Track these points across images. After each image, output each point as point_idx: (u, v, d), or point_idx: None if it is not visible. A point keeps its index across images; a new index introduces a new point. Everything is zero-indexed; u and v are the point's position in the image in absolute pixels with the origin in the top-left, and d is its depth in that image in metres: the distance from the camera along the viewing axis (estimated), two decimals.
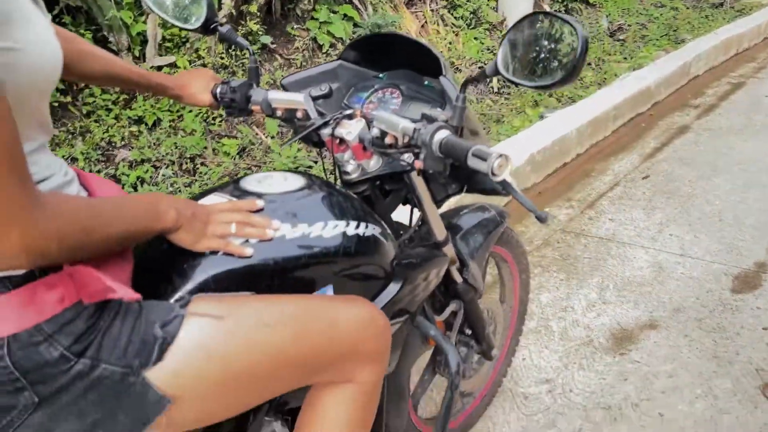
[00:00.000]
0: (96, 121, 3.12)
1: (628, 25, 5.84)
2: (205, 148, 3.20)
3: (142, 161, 3.06)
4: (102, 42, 3.20)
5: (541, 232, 2.81)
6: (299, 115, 1.19)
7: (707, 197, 3.02)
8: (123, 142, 3.13)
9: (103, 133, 3.07)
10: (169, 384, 0.74)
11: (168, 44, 3.43)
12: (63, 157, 2.89)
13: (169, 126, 3.27)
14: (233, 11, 3.58)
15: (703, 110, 4.24)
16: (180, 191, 2.94)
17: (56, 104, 3.05)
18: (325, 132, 1.13)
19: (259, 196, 0.98)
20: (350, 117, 1.11)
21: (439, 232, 1.27)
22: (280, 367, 0.84)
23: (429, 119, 0.97)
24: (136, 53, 3.31)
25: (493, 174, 0.87)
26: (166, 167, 3.06)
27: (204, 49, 3.49)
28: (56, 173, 0.76)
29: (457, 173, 1.22)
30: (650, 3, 6.64)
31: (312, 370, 0.89)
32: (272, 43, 3.90)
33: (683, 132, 3.88)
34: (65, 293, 0.69)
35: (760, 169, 3.27)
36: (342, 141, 1.12)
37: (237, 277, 0.88)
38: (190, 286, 0.85)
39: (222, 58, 3.58)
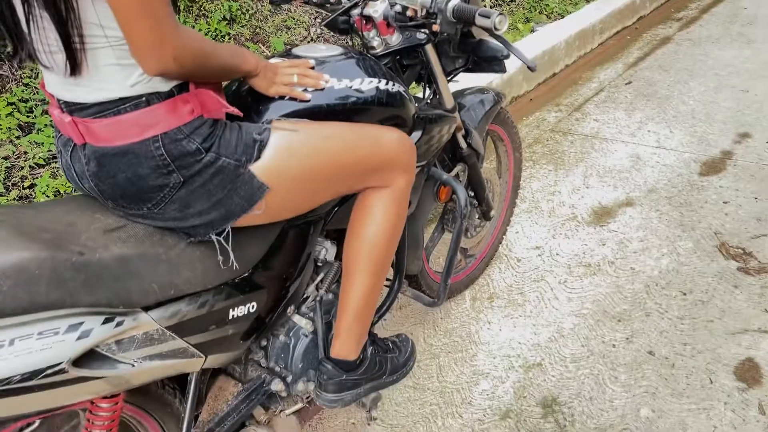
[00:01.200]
0: None
1: None
2: None
3: None
4: None
5: (532, 132, 3.09)
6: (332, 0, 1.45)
7: (683, 98, 3.30)
8: None
9: None
10: (266, 175, 1.04)
11: None
12: None
13: None
14: None
15: (685, 22, 4.46)
16: None
17: None
18: (355, 12, 1.39)
19: (310, 59, 1.25)
20: None
21: (449, 100, 1.55)
22: (339, 170, 1.15)
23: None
24: None
25: (495, 29, 1.15)
26: None
27: None
28: None
29: (464, 47, 1.49)
30: None
31: (361, 174, 1.19)
32: None
33: (665, 42, 4.11)
34: (194, 107, 0.98)
35: (731, 73, 3.53)
36: (368, 20, 1.39)
37: (299, 116, 1.16)
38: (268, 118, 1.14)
39: None
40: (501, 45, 1.36)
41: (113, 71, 0.92)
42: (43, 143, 2.58)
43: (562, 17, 4.27)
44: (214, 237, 1.05)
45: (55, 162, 2.61)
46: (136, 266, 1.00)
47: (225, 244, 1.06)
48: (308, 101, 1.17)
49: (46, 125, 2.67)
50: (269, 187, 1.05)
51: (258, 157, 1.04)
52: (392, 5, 1.34)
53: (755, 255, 2.14)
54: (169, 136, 0.96)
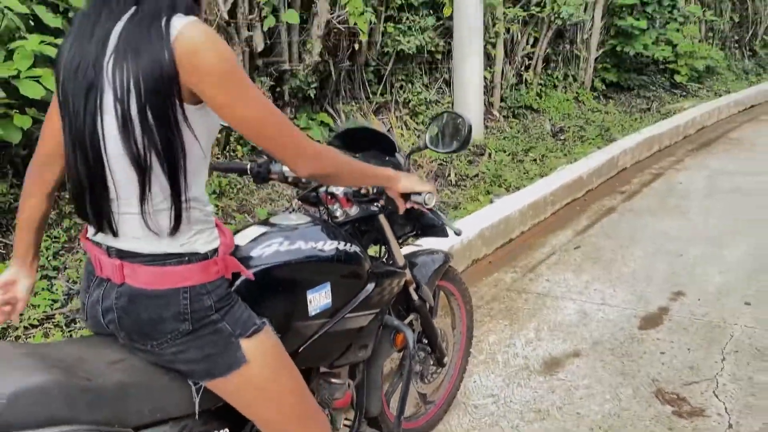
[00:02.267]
0: None
1: (568, 128, 6.72)
2: None
3: None
4: None
5: (490, 291, 3.39)
6: (302, 180, 1.79)
7: (625, 261, 3.66)
8: None
9: None
10: (248, 353, 1.26)
11: None
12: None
13: None
14: None
15: (628, 195, 4.99)
16: None
17: None
18: (321, 190, 1.73)
19: (283, 227, 1.56)
20: None
21: (399, 259, 1.86)
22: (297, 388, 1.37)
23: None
24: None
25: (425, 203, 1.49)
26: None
27: None
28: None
29: (410, 217, 1.83)
30: (587, 109, 7.61)
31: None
32: None
33: (610, 212, 4.59)
34: (220, 269, 1.25)
35: (668, 240, 3.95)
36: (332, 196, 1.73)
37: (277, 267, 1.44)
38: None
39: (217, 158, 4.23)
40: (434, 216, 1.70)
41: (177, 232, 1.19)
42: (39, 305, 2.81)
43: (518, 189, 4.77)
44: (192, 384, 1.27)
45: (49, 322, 2.83)
46: (132, 392, 1.22)
47: (195, 395, 1.27)
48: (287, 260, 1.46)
49: (43, 289, 2.92)
50: (247, 361, 1.26)
51: (248, 337, 1.26)
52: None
53: (688, 400, 2.36)
54: (195, 290, 1.21)
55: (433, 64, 6.26)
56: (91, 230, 1.27)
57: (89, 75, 1.12)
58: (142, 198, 1.16)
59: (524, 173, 5.21)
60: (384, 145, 1.83)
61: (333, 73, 5.09)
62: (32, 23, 3.01)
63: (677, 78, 8.58)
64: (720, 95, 8.71)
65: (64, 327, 2.74)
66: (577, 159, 5.51)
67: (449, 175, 5.30)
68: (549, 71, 7.46)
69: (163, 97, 1.10)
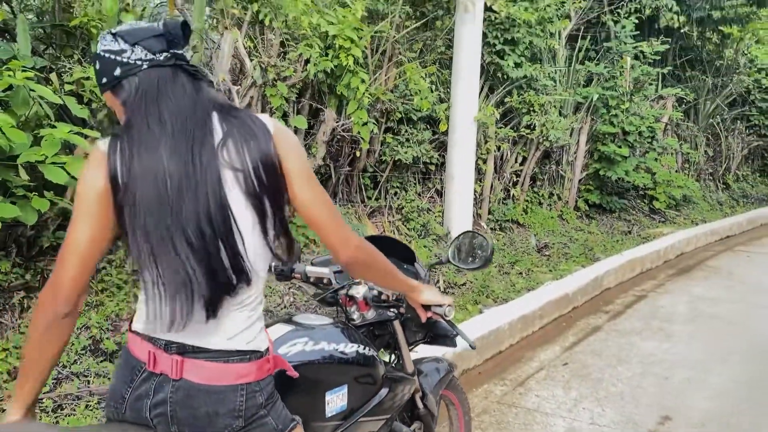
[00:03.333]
0: (108, 296, 3.69)
1: (553, 244, 6.91)
2: None
3: None
4: None
5: (481, 403, 3.39)
6: (324, 281, 1.87)
7: (613, 381, 3.71)
8: (126, 316, 3.68)
9: (115, 306, 3.62)
10: None
11: None
12: (79, 325, 3.41)
13: None
14: None
15: (613, 315, 5.10)
16: None
17: None
18: (341, 292, 1.81)
19: (307, 326, 1.62)
20: (358, 283, 1.80)
21: (409, 366, 1.90)
22: None
23: None
24: None
25: (445, 315, 1.57)
26: None
27: None
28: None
29: (424, 324, 1.90)
30: (571, 227, 7.86)
31: None
32: None
33: (596, 331, 4.67)
34: (271, 367, 1.31)
35: (653, 362, 4.02)
36: (351, 299, 1.80)
37: (301, 367, 1.48)
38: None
39: None
40: (450, 326, 1.77)
41: (246, 329, 1.26)
42: None
43: (506, 302, 4.85)
44: None
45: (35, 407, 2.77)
46: None
47: None
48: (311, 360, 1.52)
49: None
50: None
51: None
52: (371, 289, 1.76)
53: None
54: (251, 387, 1.26)
55: (426, 174, 6.52)
56: (140, 324, 1.30)
57: (201, 162, 1.22)
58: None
59: (511, 286, 5.31)
60: (404, 254, 1.93)
61: (333, 176, 5.28)
62: (60, 112, 3.16)
63: (656, 204, 8.95)
64: (696, 224, 9.07)
65: (51, 412, 2.68)
66: (563, 276, 5.65)
67: (438, 282, 5.39)
68: (535, 189, 7.76)
69: (275, 186, 1.27)
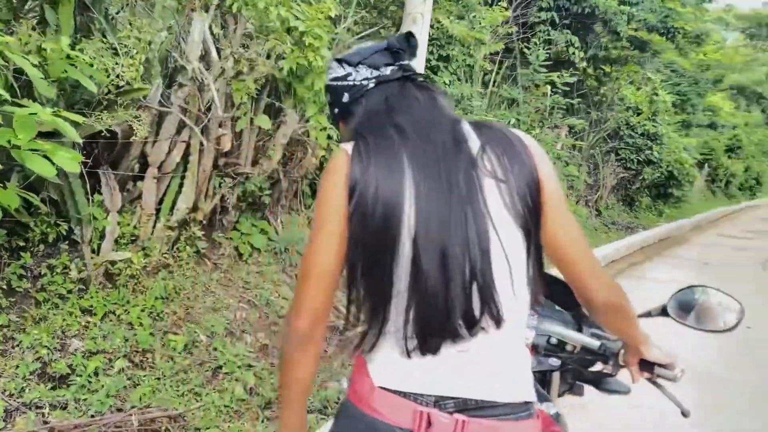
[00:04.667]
0: (51, 308, 3.12)
1: None
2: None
3: (97, 352, 3.07)
4: (66, 234, 3.30)
5: None
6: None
7: None
8: (75, 332, 3.13)
9: (62, 321, 3.07)
10: None
11: (122, 240, 3.60)
12: (21, 344, 2.84)
13: (118, 318, 3.34)
14: (186, 217, 3.90)
15: None
16: (137, 385, 2.97)
17: (19, 289, 3.04)
18: None
19: None
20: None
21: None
22: None
23: (604, 338, 1.48)
24: (94, 246, 3.43)
25: (675, 379, 1.34)
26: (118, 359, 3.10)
27: (151, 248, 3.70)
28: None
29: (589, 378, 1.65)
30: None
31: None
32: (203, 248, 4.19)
33: None
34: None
35: None
36: None
37: None
38: None
39: (165, 257, 3.81)
40: (626, 385, 1.55)
41: (525, 369, 1.01)
42: None
43: None
44: None
45: None
46: None
47: None
48: None
49: None
50: None
51: None
52: (539, 335, 1.55)
53: None
54: None
55: None
56: (389, 376, 1.02)
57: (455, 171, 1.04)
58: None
59: None
60: (556, 294, 1.73)
61: (282, 181, 4.93)
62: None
63: None
64: None
65: None
66: None
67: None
68: None
69: (537, 209, 1.07)
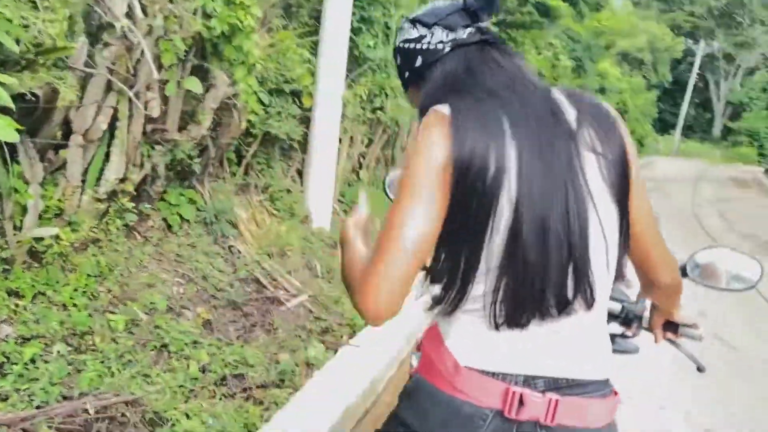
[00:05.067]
0: None
1: None
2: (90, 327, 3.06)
3: (31, 337, 2.82)
4: None
5: None
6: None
7: None
8: (3, 317, 2.86)
9: None
10: None
11: (46, 215, 3.30)
12: None
13: (49, 300, 3.08)
14: (116, 188, 3.62)
15: None
16: (80, 370, 2.76)
17: None
18: None
19: None
20: None
21: None
22: None
23: (625, 302, 1.48)
24: (16, 222, 3.11)
25: (700, 338, 1.37)
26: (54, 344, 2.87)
27: (78, 222, 3.42)
28: None
29: None
30: None
31: None
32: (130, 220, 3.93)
33: None
34: None
35: None
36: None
37: None
38: None
39: (93, 232, 3.54)
40: (635, 345, 1.57)
41: (607, 344, 0.99)
42: None
43: None
44: None
45: None
46: None
47: None
48: None
49: None
50: None
51: None
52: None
53: None
54: (615, 428, 1.02)
55: (287, 152, 6.13)
56: (475, 355, 0.98)
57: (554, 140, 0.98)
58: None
59: None
60: None
61: (211, 149, 4.68)
62: None
63: None
64: None
65: None
66: None
67: (315, 267, 5.14)
68: (377, 173, 7.81)
69: (627, 187, 1.03)
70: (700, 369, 1.49)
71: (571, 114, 1.01)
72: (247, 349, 3.34)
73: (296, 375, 3.15)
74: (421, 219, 0.95)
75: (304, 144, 6.04)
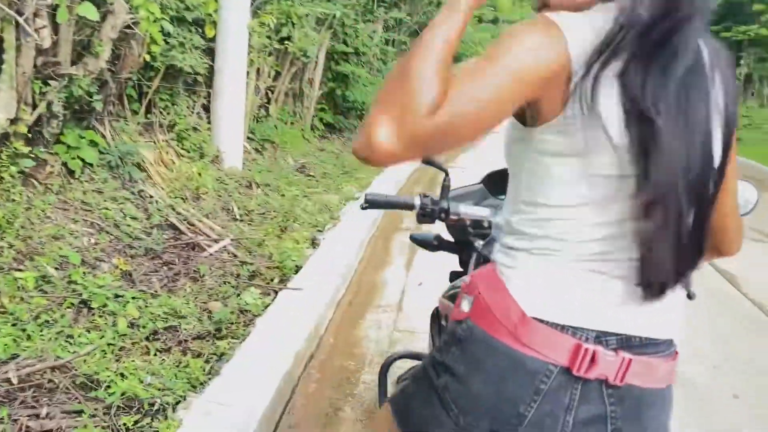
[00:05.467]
0: None
1: (311, 164, 6.84)
2: None
3: None
4: None
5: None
6: (485, 224, 1.51)
7: None
8: None
9: None
10: None
11: None
12: None
13: None
14: (7, 130, 3.19)
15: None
16: None
17: None
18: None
19: None
20: None
21: None
22: None
23: None
24: None
25: None
26: None
27: None
28: None
29: None
30: (314, 147, 7.85)
31: None
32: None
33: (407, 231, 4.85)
34: None
35: None
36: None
37: None
38: None
39: None
40: None
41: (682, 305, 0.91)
42: None
43: (326, 227, 4.66)
44: None
45: None
46: None
47: None
48: None
49: None
50: None
51: None
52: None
53: None
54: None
55: (192, 87, 5.70)
56: (545, 306, 0.87)
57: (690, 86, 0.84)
58: None
59: (315, 208, 5.13)
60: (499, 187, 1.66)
61: (112, 84, 4.23)
62: None
63: None
64: None
65: None
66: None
67: (232, 209, 4.89)
68: (286, 107, 7.50)
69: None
70: (690, 296, 1.50)
71: (707, 60, 0.87)
72: (175, 300, 3.12)
73: (234, 324, 2.99)
74: (503, 89, 0.77)
75: (209, 78, 5.64)
